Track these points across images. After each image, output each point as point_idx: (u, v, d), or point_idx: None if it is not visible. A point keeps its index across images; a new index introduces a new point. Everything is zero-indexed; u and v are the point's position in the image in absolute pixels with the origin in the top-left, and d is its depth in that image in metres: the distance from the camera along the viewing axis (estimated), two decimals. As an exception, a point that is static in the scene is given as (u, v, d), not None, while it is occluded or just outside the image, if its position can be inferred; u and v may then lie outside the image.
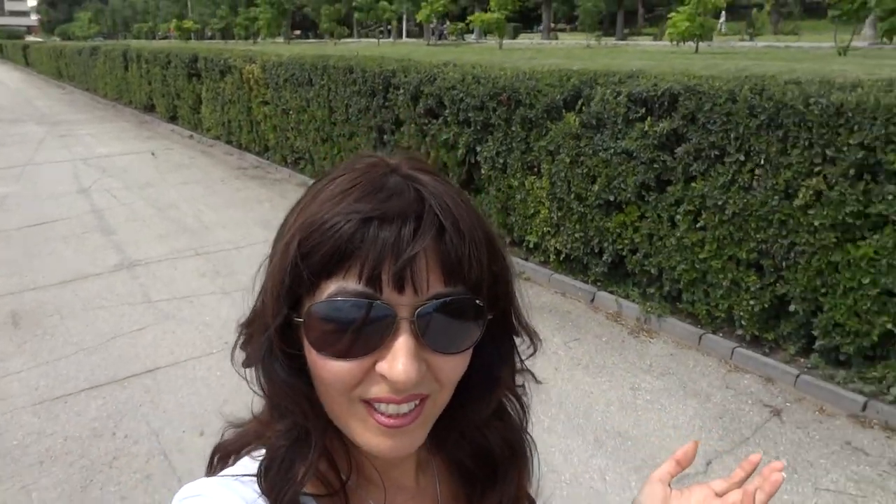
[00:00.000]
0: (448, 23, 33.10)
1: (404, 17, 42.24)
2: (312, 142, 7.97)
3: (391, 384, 0.50)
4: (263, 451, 0.56)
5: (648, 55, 15.37)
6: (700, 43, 17.94)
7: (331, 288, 0.49)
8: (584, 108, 4.48)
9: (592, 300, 4.60)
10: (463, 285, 0.51)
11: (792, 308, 3.59)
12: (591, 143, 4.43)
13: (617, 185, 4.31)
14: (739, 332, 3.87)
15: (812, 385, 3.41)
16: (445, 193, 0.52)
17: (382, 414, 0.51)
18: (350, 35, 44.11)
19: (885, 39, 14.08)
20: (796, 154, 3.37)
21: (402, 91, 6.11)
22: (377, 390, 0.51)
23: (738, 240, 3.72)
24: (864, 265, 3.21)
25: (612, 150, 4.29)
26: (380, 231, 0.48)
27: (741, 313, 3.80)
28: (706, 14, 16.36)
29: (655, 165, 4.06)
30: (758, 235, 3.62)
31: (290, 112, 8.29)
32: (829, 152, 3.25)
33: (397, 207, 0.49)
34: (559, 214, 4.80)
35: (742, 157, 3.62)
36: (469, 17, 25.91)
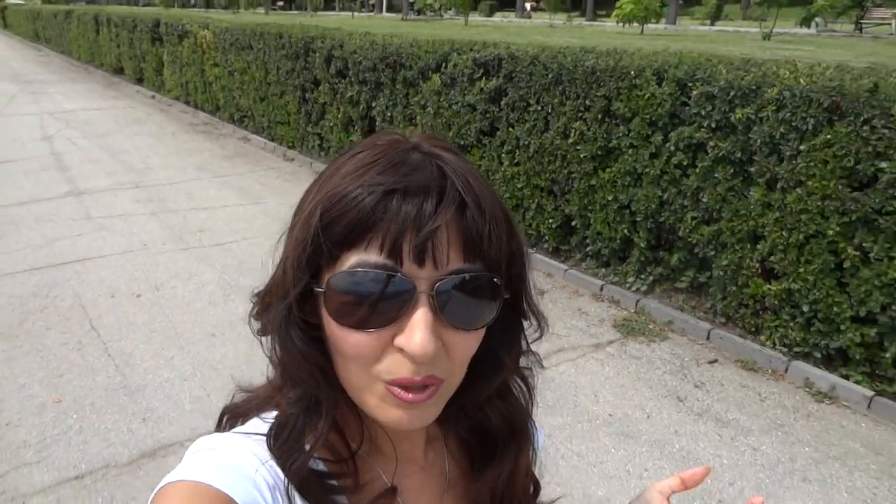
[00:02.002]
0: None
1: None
2: (253, 100, 8.98)
3: (409, 357, 0.50)
4: (273, 414, 0.58)
5: (590, 34, 16.43)
6: (654, 24, 18.96)
7: (351, 259, 0.50)
8: (444, 70, 5.57)
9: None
10: (482, 262, 0.52)
11: (574, 223, 4.74)
12: (448, 98, 5.53)
13: (465, 131, 5.42)
14: (545, 245, 5.02)
15: (574, 276, 4.58)
16: (467, 171, 0.53)
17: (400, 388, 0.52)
18: (333, 8, 44.55)
19: (802, 25, 15.13)
20: (569, 104, 4.50)
21: (318, 55, 7.15)
22: (396, 370, 0.51)
23: (539, 171, 4.85)
24: (609, 186, 4.36)
25: (461, 104, 5.38)
26: (402, 204, 0.49)
27: (544, 230, 4.95)
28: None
29: (488, 115, 5.17)
30: (550, 167, 4.75)
31: (235, 73, 9.27)
32: (587, 102, 4.38)
33: (420, 181, 0.50)
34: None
35: (539, 107, 4.74)
36: (437, -7, 26.67)
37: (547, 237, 4.94)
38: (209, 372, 3.38)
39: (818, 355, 3.46)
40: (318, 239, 0.50)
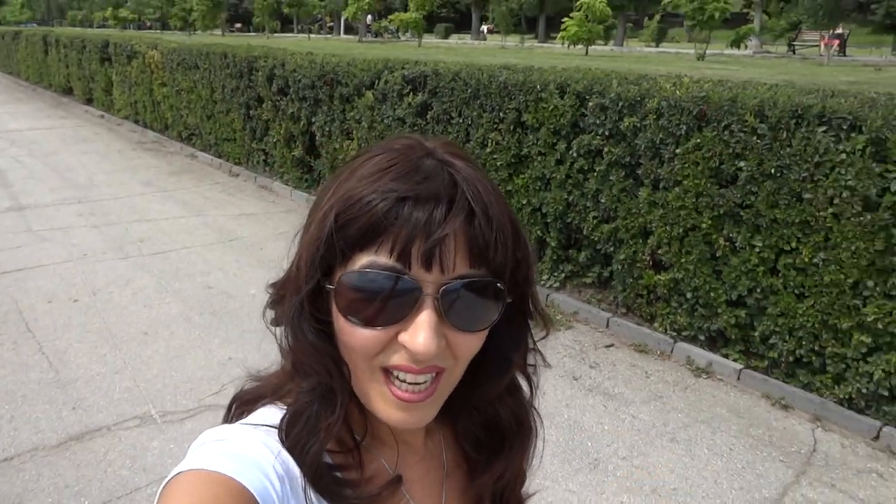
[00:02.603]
0: (374, 20, 34.35)
1: (342, 14, 43.31)
2: (200, 118, 9.18)
3: (411, 354, 0.53)
4: (280, 405, 0.60)
5: (537, 55, 17.07)
6: (602, 46, 19.78)
7: (363, 260, 0.53)
8: (376, 86, 5.91)
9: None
10: (487, 268, 0.55)
11: (495, 227, 5.09)
12: (380, 113, 5.87)
13: (395, 143, 5.75)
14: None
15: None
16: (477, 179, 0.55)
17: (399, 387, 0.55)
18: (291, 30, 44.88)
19: (733, 47, 16.05)
20: (486, 116, 4.87)
21: (261, 73, 7.43)
22: (397, 358, 0.54)
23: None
24: (523, 191, 4.73)
25: (391, 117, 5.73)
26: (413, 211, 0.52)
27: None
28: (594, 21, 18.15)
29: (416, 128, 5.52)
30: (472, 176, 5.10)
31: (183, 92, 9.47)
32: (501, 114, 4.76)
33: (431, 189, 0.52)
34: None
35: (461, 120, 5.11)
36: (390, 17, 27.28)
37: (472, 241, 5.28)
38: (140, 366, 3.58)
39: (702, 337, 3.86)
40: (332, 239, 0.53)
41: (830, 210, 3.19)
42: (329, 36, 42.42)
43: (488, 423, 0.69)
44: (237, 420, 0.61)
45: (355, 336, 0.54)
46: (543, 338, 0.66)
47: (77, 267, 4.98)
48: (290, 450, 0.56)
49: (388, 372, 0.56)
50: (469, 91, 4.99)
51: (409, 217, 0.51)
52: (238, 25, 51.88)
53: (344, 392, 0.57)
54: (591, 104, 4.20)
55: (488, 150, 4.90)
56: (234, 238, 5.80)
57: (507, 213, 0.56)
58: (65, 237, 5.67)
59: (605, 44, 31.87)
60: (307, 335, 0.57)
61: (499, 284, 0.56)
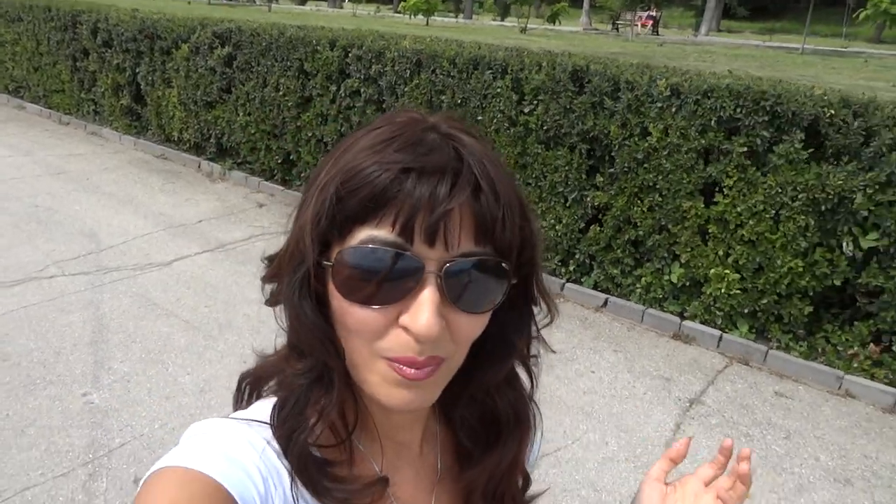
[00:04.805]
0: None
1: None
2: (27, 70, 9.43)
3: (413, 336, 0.51)
4: (274, 400, 0.59)
5: (380, 23, 18.16)
6: (451, 18, 21.14)
7: (362, 235, 0.50)
8: (191, 40, 6.81)
9: (199, 167, 7.01)
10: (492, 246, 0.52)
11: (292, 157, 6.26)
12: (195, 63, 6.79)
13: (209, 90, 6.71)
14: (276, 177, 6.49)
15: (291, 195, 6.13)
16: (484, 154, 0.53)
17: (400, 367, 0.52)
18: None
19: (548, 22, 18.10)
20: (278, 65, 6.00)
21: (85, 27, 7.98)
22: (399, 348, 0.52)
23: (264, 118, 6.30)
24: (309, 126, 5.92)
25: (204, 67, 6.67)
26: (417, 183, 0.49)
27: (270, 163, 6.41)
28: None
29: (225, 76, 6.52)
30: (271, 115, 6.22)
31: (7, 45, 9.63)
32: (288, 63, 5.91)
33: (436, 162, 0.50)
34: (185, 114, 7.11)
35: (260, 68, 6.19)
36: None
37: (276, 171, 6.43)
38: (-27, 257, 4.42)
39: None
40: (332, 211, 0.51)
41: (493, 127, 4.69)
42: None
43: (485, 414, 0.66)
44: (248, 399, 0.62)
45: (353, 316, 0.52)
46: (547, 325, 0.63)
47: None
48: (278, 433, 0.55)
49: (389, 360, 0.53)
50: (264, 44, 6.08)
51: (413, 189, 0.49)
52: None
53: (340, 373, 0.56)
54: (351, 55, 5.47)
55: (281, 92, 6.04)
56: (62, 172, 6.51)
57: (515, 190, 0.54)
58: None
59: (456, 16, 33.59)
60: (307, 314, 0.54)
61: (504, 264, 0.53)
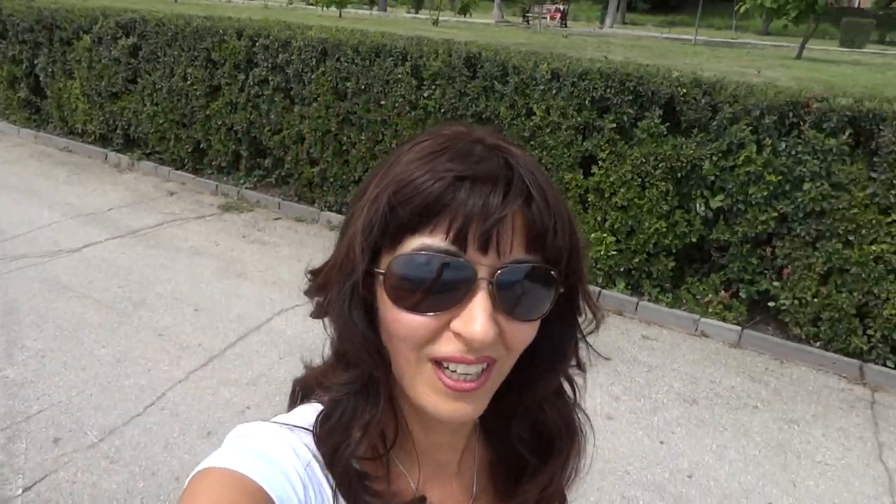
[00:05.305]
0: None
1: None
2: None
3: (467, 342, 0.51)
4: (317, 405, 0.60)
5: (290, 15, 18.06)
6: (366, 11, 21.08)
7: (414, 243, 0.51)
8: (93, 30, 6.74)
9: (106, 158, 6.97)
10: (542, 255, 0.53)
11: (202, 146, 6.34)
12: (98, 54, 6.73)
13: (114, 80, 6.68)
14: (186, 167, 6.55)
15: (201, 182, 6.23)
16: (532, 164, 0.54)
17: (450, 377, 0.52)
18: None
19: (460, 14, 18.56)
20: (185, 55, 6.07)
21: (-24, 17, 7.69)
22: (449, 349, 0.52)
23: (172, 108, 6.35)
24: (218, 114, 6.04)
25: (108, 58, 6.63)
26: (471, 191, 0.50)
27: (180, 153, 6.47)
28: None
29: (130, 66, 6.52)
30: (179, 104, 6.28)
31: None
32: (195, 52, 6.00)
33: (488, 170, 0.51)
34: (88, 106, 7.03)
35: (166, 58, 6.24)
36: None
37: (187, 160, 6.49)
38: None
39: (340, 206, 5.57)
40: (385, 220, 0.51)
41: (395, 111, 5.01)
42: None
43: (536, 426, 0.66)
44: (300, 401, 0.64)
45: (404, 324, 0.52)
46: (592, 332, 0.63)
47: None
48: (323, 447, 0.56)
49: (437, 363, 0.53)
50: (170, 34, 6.14)
51: (467, 198, 0.50)
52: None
53: (387, 385, 0.57)
54: (258, 44, 5.63)
55: (188, 82, 6.12)
56: (-43, 167, 6.33)
57: (563, 201, 0.55)
58: None
59: (370, 8, 33.57)
60: (357, 324, 0.55)
61: (553, 272, 0.54)
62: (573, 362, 0.64)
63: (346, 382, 0.57)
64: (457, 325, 0.51)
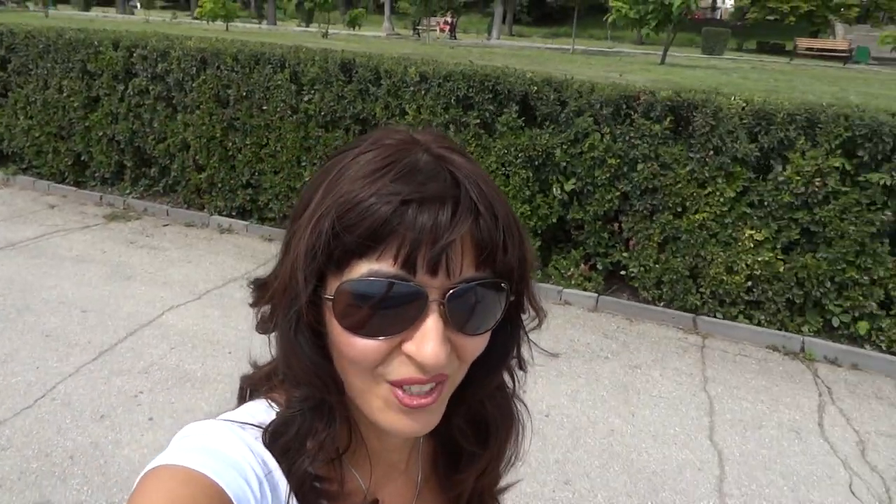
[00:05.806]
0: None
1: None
2: None
3: (419, 365, 0.51)
4: (270, 402, 0.60)
5: (173, 29, 17.67)
6: (252, 25, 20.85)
7: (362, 269, 0.50)
8: (-45, 43, 6.50)
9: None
10: (492, 269, 0.53)
11: (83, 158, 6.27)
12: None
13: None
14: (67, 181, 6.43)
15: (84, 194, 6.16)
16: (478, 176, 0.53)
17: (405, 395, 0.53)
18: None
19: (349, 27, 18.88)
20: (59, 67, 6.01)
21: None
22: (403, 371, 0.52)
23: (48, 121, 6.24)
24: (98, 125, 6.01)
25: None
26: (418, 215, 0.49)
27: (60, 166, 6.35)
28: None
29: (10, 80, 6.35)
30: (56, 117, 6.18)
31: None
32: (70, 64, 5.95)
33: (435, 190, 0.50)
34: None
35: (39, 70, 6.13)
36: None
37: (67, 173, 6.38)
38: None
39: (230, 210, 5.71)
40: (329, 246, 0.50)
41: (277, 115, 5.24)
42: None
43: (474, 416, 0.68)
44: (249, 400, 0.63)
45: (356, 347, 0.51)
46: (535, 328, 0.65)
47: None
48: (278, 459, 0.55)
49: (392, 384, 0.53)
50: (41, 46, 6.06)
51: (414, 221, 0.49)
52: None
53: (341, 406, 0.57)
54: (136, 54, 5.69)
55: (65, 94, 6.06)
56: None
57: (510, 211, 0.55)
58: None
59: (259, 22, 33.18)
60: (305, 349, 0.54)
61: (503, 285, 0.54)
62: (515, 357, 0.66)
63: (300, 399, 0.57)
64: (409, 347, 0.51)
